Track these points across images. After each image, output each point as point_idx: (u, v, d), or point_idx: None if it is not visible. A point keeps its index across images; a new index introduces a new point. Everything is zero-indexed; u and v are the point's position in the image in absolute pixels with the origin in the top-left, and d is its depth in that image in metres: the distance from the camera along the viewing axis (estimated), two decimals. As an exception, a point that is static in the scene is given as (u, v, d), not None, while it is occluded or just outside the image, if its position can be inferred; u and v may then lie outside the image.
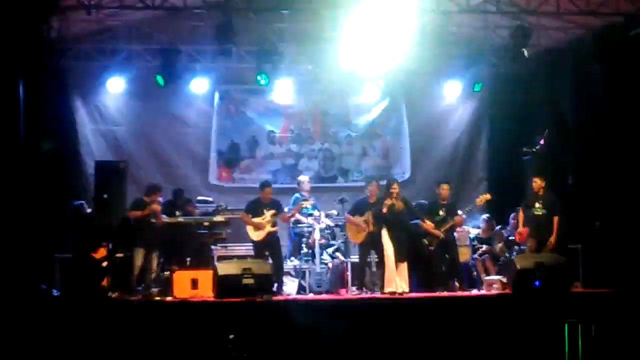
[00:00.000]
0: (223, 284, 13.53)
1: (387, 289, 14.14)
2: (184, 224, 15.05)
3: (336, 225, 15.62)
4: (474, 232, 16.41)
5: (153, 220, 14.34)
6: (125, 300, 13.71)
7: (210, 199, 16.30)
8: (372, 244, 14.68)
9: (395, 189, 14.46)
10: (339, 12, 14.67)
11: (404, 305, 13.49)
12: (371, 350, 11.92)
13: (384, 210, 14.32)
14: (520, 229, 14.89)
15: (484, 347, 12.04)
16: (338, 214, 15.70)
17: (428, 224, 14.80)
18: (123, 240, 14.36)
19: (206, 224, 14.99)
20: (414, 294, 14.35)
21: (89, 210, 15.54)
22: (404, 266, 14.27)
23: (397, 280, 14.17)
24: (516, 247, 15.19)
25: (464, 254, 15.67)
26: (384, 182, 15.07)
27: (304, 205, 15.54)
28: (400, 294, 13.99)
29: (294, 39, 16.34)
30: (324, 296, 14.77)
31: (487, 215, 16.42)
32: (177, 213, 15.26)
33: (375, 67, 15.62)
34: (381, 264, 14.51)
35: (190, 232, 15.02)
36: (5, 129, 12.95)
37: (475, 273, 15.86)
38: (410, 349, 12.03)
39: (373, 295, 14.35)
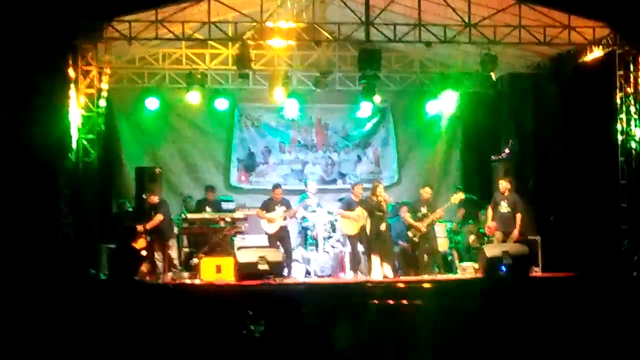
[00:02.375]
0: (242, 269, 13.66)
1: (373, 276, 14.18)
2: (209, 219, 15.11)
3: (336, 220, 15.54)
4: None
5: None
6: (160, 283, 13.72)
7: (231, 198, 16.31)
8: (361, 236, 14.69)
9: (377, 186, 14.61)
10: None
11: (393, 287, 13.40)
12: (366, 325, 11.81)
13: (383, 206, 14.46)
14: (489, 223, 14.89)
15: (458, 322, 11.91)
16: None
17: (411, 219, 14.89)
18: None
19: (228, 219, 15.07)
20: (401, 278, 14.38)
21: (129, 208, 15.62)
22: (390, 256, 14.39)
23: (383, 268, 14.26)
24: (485, 239, 15.17)
25: (443, 244, 15.64)
26: (368, 185, 15.18)
27: (307, 204, 15.55)
28: (386, 277, 14.05)
29: (302, 65, 16.25)
30: (326, 279, 14.79)
31: (462, 212, 16.33)
32: (208, 209, 15.31)
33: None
34: (368, 253, 14.58)
35: (215, 225, 15.04)
36: (62, 142, 12.94)
37: (451, 260, 15.81)
38: (397, 323, 11.91)
39: (367, 278, 14.29)
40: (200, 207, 15.64)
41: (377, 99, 16.02)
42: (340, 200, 15.69)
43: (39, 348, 8.63)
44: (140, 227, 14.15)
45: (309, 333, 10.61)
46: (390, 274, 14.29)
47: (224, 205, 15.62)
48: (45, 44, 12.23)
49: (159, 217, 14.44)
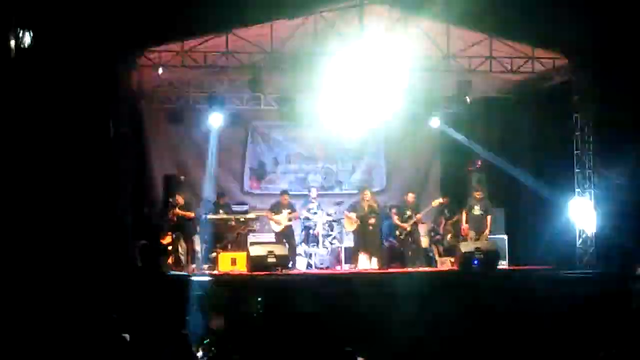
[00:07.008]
0: (254, 261, 13.74)
1: (361, 266, 14.44)
2: (224, 219, 15.23)
3: (333, 221, 15.74)
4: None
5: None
6: (184, 272, 13.92)
7: (245, 202, 16.52)
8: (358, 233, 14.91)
9: (366, 194, 14.79)
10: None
11: (383, 276, 13.75)
12: (358, 307, 11.91)
13: (365, 208, 14.68)
14: (463, 225, 15.04)
15: (437, 306, 11.98)
16: (335, 213, 15.91)
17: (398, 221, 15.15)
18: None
19: (242, 219, 15.21)
20: (389, 269, 14.55)
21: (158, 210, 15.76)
22: (376, 250, 14.63)
23: (370, 262, 14.51)
24: (461, 237, 15.29)
25: (424, 241, 15.81)
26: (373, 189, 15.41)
27: (310, 207, 15.71)
28: (375, 269, 14.24)
29: (306, 89, 16.20)
30: (325, 271, 14.98)
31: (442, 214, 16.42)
32: (221, 211, 15.46)
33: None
34: (357, 249, 14.85)
35: (229, 224, 15.12)
36: (101, 157, 13.13)
37: (431, 255, 15.98)
38: (386, 306, 11.98)
39: (360, 270, 14.50)
40: (215, 209, 15.80)
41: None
42: (337, 203, 15.98)
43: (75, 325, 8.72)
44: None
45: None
46: (376, 266, 14.46)
47: (238, 208, 15.77)
48: (91, 69, 12.49)
49: (190, 214, 14.67)
